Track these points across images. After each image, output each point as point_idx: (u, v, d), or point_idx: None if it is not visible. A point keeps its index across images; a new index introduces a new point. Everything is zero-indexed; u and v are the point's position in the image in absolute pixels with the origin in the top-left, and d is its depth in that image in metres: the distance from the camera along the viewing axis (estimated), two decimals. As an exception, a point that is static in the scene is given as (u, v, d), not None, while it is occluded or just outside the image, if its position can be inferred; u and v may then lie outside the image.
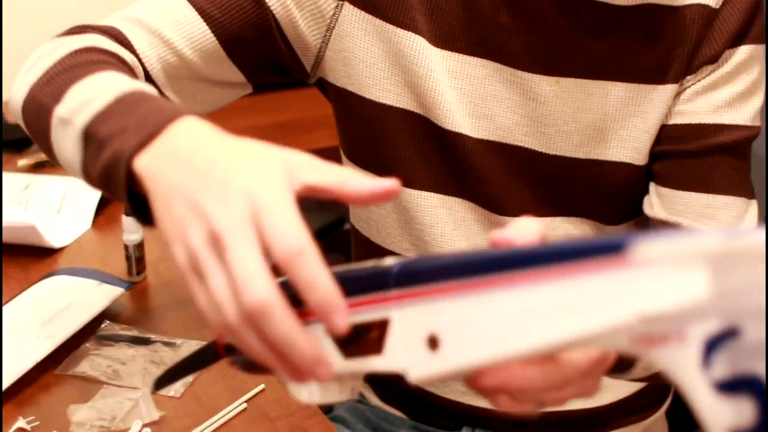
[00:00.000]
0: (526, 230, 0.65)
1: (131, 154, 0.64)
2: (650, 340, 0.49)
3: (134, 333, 1.02)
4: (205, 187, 0.58)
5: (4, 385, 0.91)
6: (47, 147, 0.77)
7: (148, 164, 0.63)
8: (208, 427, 0.88)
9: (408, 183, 0.96)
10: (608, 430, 1.07)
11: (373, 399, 1.14)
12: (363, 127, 0.97)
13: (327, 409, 1.18)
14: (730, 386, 0.48)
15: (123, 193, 0.65)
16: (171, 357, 0.98)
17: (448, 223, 0.96)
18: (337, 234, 1.40)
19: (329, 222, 1.39)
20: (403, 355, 0.57)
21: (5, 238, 1.17)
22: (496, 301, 0.54)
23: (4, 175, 1.33)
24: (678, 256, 0.47)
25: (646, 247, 0.48)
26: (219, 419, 0.89)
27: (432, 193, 0.96)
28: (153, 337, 1.01)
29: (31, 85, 0.81)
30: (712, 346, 0.48)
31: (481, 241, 0.97)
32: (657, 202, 0.95)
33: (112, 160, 0.65)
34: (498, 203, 0.95)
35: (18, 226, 1.17)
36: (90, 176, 0.71)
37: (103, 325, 1.03)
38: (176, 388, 0.94)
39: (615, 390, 1.06)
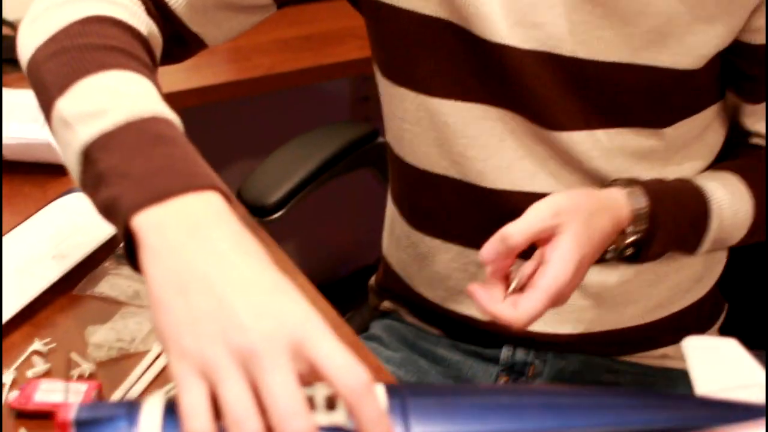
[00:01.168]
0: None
1: (131, 210, 0.61)
2: None
3: (155, 251, 0.96)
4: (240, 294, 0.57)
5: (19, 307, 0.86)
6: (47, 121, 0.72)
7: (153, 228, 0.60)
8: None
9: (449, 95, 0.89)
10: (661, 346, 1.01)
11: (409, 317, 1.08)
12: (398, 40, 0.90)
13: (362, 329, 1.13)
14: None
15: (121, 240, 0.63)
16: (194, 275, 0.92)
17: (494, 135, 0.89)
18: (370, 148, 1.33)
19: (361, 135, 1.33)
20: None
21: (21, 156, 1.12)
22: None
23: (20, 92, 1.27)
24: None
25: None
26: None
27: (475, 104, 0.89)
28: (175, 254, 0.96)
29: (36, 47, 0.76)
30: None
31: (528, 157, 0.90)
32: (746, 112, 0.93)
33: (109, 207, 0.63)
34: (546, 116, 0.88)
35: (34, 143, 1.11)
36: (86, 193, 0.68)
37: (122, 245, 0.97)
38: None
39: (669, 306, 1.00)
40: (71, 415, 0.58)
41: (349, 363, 0.55)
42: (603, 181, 0.89)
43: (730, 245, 0.94)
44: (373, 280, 1.16)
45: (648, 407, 0.62)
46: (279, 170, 1.24)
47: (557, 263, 0.75)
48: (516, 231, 0.76)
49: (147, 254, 0.60)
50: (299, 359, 0.55)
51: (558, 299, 0.76)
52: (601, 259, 0.84)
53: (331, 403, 0.59)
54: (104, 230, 0.96)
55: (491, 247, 0.75)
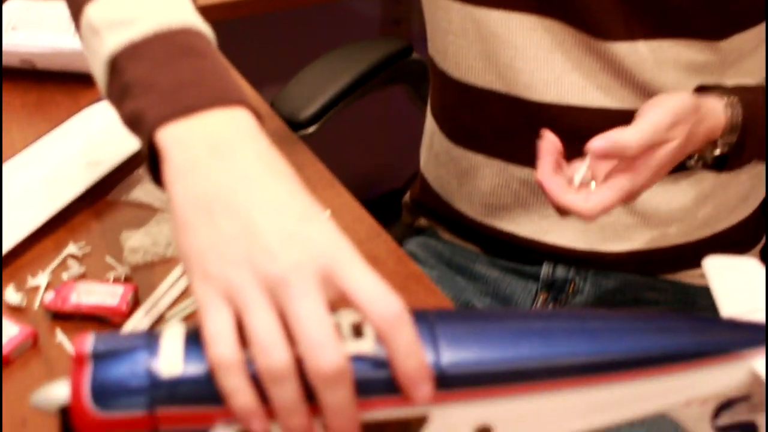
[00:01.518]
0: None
1: (155, 124, 0.58)
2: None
3: (190, 159, 0.94)
4: (268, 218, 0.55)
5: (53, 212, 0.84)
6: (77, 28, 0.70)
7: (177, 143, 0.58)
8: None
9: (496, 5, 0.86)
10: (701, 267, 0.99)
11: (445, 234, 1.07)
12: None
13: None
14: (727, 429, 0.63)
15: (145, 155, 0.60)
16: (229, 183, 0.91)
17: (542, 47, 0.86)
18: (404, 64, 1.30)
19: (395, 50, 1.29)
20: None
21: (53, 65, 1.10)
22: (556, 398, 0.58)
23: (51, 2, 1.25)
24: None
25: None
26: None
27: (524, 14, 0.86)
28: (210, 162, 0.94)
29: None
30: (726, 406, 0.61)
31: (578, 69, 0.87)
32: None
33: (134, 119, 0.61)
34: (597, 26, 0.84)
35: (66, 52, 1.09)
36: (111, 103, 0.65)
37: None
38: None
39: (714, 224, 0.97)
40: (87, 347, 0.55)
41: (381, 291, 0.53)
42: (653, 95, 0.86)
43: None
44: (407, 196, 1.14)
45: (681, 331, 0.61)
46: (313, 84, 1.22)
47: (646, 170, 0.75)
48: (635, 142, 0.73)
49: (170, 171, 0.58)
50: (329, 287, 0.53)
51: (632, 197, 0.76)
52: (682, 166, 0.82)
53: (357, 331, 0.57)
54: (138, 137, 0.94)
55: (602, 150, 0.72)
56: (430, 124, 1.05)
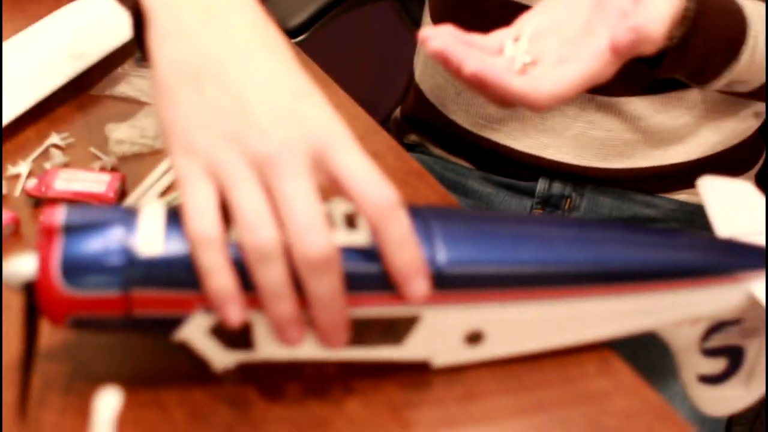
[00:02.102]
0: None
1: None
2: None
3: (178, 56, 0.90)
4: (260, 92, 0.51)
5: (34, 101, 0.80)
6: None
7: (165, 5, 0.54)
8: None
9: None
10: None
11: (437, 150, 1.03)
12: None
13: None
14: (714, 351, 0.62)
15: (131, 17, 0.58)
16: (220, 81, 0.87)
17: None
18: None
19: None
20: (429, 347, 0.55)
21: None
22: (550, 308, 0.56)
23: None
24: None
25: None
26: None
27: None
28: (199, 60, 0.90)
29: None
30: (716, 329, 0.61)
31: None
32: None
33: None
34: None
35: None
36: None
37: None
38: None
39: (715, 144, 0.95)
40: (59, 218, 0.51)
41: (375, 178, 0.50)
42: None
43: (742, 90, 0.83)
44: (398, 112, 1.11)
45: (682, 247, 0.59)
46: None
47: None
48: (657, 24, 0.63)
49: (156, 35, 0.54)
50: (320, 171, 0.50)
51: (594, 83, 0.63)
52: (686, 84, 0.77)
53: (350, 222, 0.54)
54: (123, 33, 0.90)
55: (624, 44, 0.61)
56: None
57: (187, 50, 0.53)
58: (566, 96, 0.61)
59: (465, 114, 0.96)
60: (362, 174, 0.50)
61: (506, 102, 0.61)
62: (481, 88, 0.60)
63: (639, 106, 0.90)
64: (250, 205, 0.49)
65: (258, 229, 0.48)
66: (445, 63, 0.60)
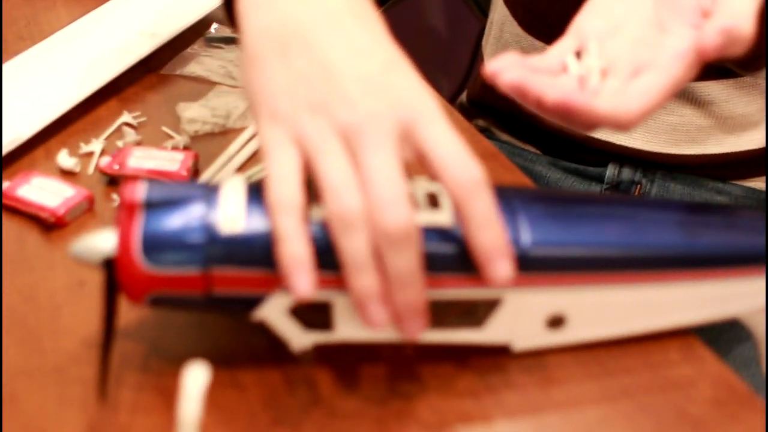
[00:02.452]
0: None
1: None
2: None
3: (247, 36, 0.90)
4: (349, 63, 0.50)
5: (106, 79, 0.80)
6: None
7: None
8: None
9: None
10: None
11: (503, 135, 1.02)
12: None
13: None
14: None
15: None
16: (289, 61, 0.86)
17: None
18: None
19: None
20: (510, 330, 0.55)
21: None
22: (634, 292, 0.54)
23: None
24: None
25: None
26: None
27: None
28: (268, 40, 0.89)
29: None
30: None
31: None
32: None
33: None
34: None
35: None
36: None
37: (211, 28, 0.91)
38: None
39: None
40: (139, 195, 0.51)
41: (462, 154, 0.49)
42: None
43: None
44: (464, 96, 1.10)
45: (763, 231, 0.57)
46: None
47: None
48: (747, 22, 0.55)
49: (246, 4, 0.54)
50: (407, 144, 0.49)
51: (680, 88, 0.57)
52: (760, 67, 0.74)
53: (433, 201, 0.53)
54: (194, 11, 0.90)
55: (714, 48, 0.54)
56: (500, 12, 0.99)
57: (276, 19, 0.53)
58: (656, 109, 0.54)
59: None
60: (449, 149, 0.49)
61: (591, 126, 0.54)
62: (565, 116, 0.54)
63: (713, 90, 0.88)
64: (336, 171, 0.48)
65: (343, 196, 0.48)
66: (523, 97, 0.55)
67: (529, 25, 0.93)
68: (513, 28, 0.95)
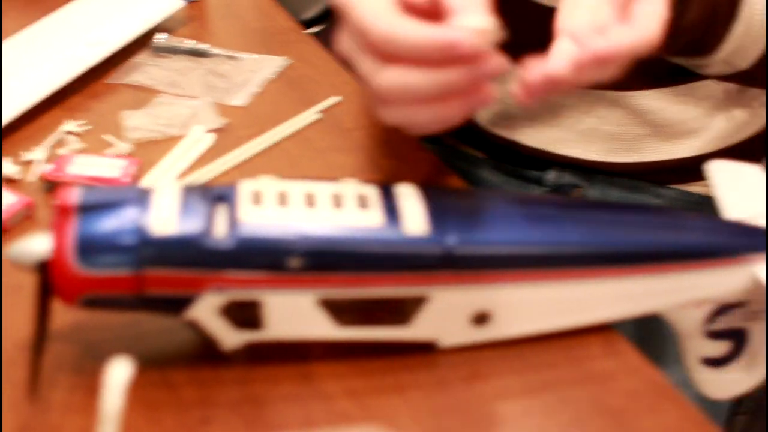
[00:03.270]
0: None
1: None
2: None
3: (193, 45, 0.91)
4: None
5: (52, 89, 0.81)
6: None
7: None
8: (277, 134, 0.78)
9: None
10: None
11: (448, 139, 1.03)
12: None
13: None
14: (718, 334, 0.62)
15: None
16: (234, 70, 0.88)
17: None
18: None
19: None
20: (436, 327, 0.56)
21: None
22: (558, 289, 0.56)
23: None
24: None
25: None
26: (290, 127, 0.79)
27: None
28: (214, 49, 0.91)
29: None
30: (721, 311, 0.61)
31: None
32: None
33: None
34: None
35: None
36: None
37: (158, 37, 0.92)
38: (241, 97, 0.84)
39: (726, 138, 0.95)
40: (74, 198, 0.52)
41: None
42: None
43: (742, 68, 0.80)
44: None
45: (689, 229, 0.59)
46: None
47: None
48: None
49: None
50: None
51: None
52: (694, 76, 0.76)
53: (362, 203, 0.55)
54: (141, 22, 0.91)
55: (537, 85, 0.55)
56: None
57: None
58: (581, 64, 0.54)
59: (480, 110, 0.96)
60: None
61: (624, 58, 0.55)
62: (600, 66, 0.54)
63: (650, 99, 0.90)
64: None
65: None
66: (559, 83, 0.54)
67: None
68: None
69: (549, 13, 0.77)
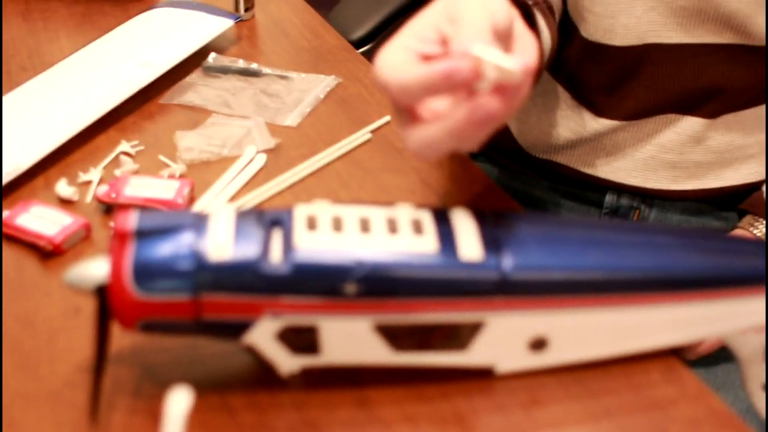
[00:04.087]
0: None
1: None
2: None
3: (244, 65, 0.92)
4: None
5: (106, 109, 0.82)
6: None
7: None
8: (328, 155, 0.79)
9: None
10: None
11: (502, 159, 1.03)
12: None
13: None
14: None
15: None
16: (284, 89, 0.88)
17: None
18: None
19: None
20: (493, 353, 0.56)
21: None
22: (616, 315, 0.56)
23: None
24: None
25: None
26: (341, 148, 0.80)
27: None
28: (264, 69, 0.91)
29: None
30: None
31: (656, 6, 0.81)
32: None
33: None
34: None
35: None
36: None
37: (209, 57, 0.93)
38: (292, 118, 0.84)
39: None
40: (131, 224, 0.52)
41: None
42: (736, 29, 0.81)
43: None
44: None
45: (749, 254, 0.59)
46: (365, 3, 1.18)
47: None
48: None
49: None
50: None
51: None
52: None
53: (417, 228, 0.55)
54: (192, 42, 0.92)
55: None
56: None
57: None
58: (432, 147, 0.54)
59: (534, 140, 0.95)
60: None
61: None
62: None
63: (708, 126, 0.88)
64: None
65: None
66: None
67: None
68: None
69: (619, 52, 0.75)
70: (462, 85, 0.50)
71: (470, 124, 0.51)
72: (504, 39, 0.55)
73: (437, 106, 0.54)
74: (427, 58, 0.54)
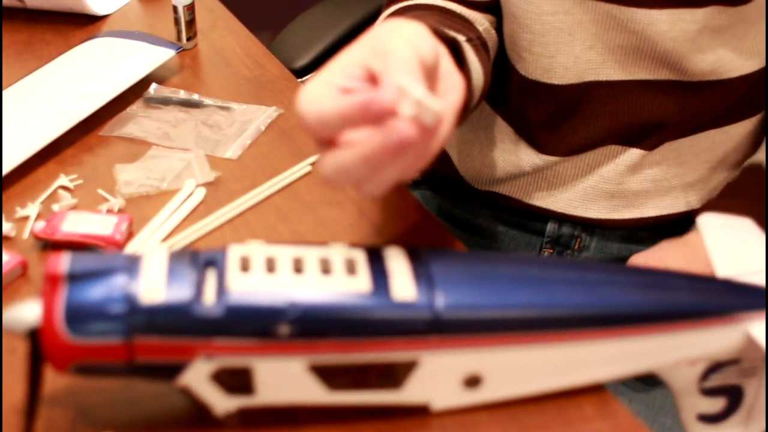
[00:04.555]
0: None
1: None
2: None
3: (186, 96, 0.92)
4: None
5: (44, 143, 0.82)
6: None
7: None
8: (268, 188, 0.79)
9: None
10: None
11: (442, 187, 1.04)
12: None
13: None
14: (713, 391, 0.62)
15: None
16: (225, 121, 0.88)
17: (563, 30, 0.83)
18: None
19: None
20: (428, 391, 0.56)
21: (43, 3, 1.07)
22: (549, 351, 0.57)
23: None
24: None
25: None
26: (281, 181, 0.80)
27: None
28: (206, 100, 0.91)
29: None
30: (715, 369, 0.61)
31: (594, 46, 0.83)
32: None
33: None
34: None
35: (56, -10, 1.06)
36: None
37: (150, 88, 0.93)
38: (233, 150, 0.84)
39: (721, 187, 0.95)
40: (62, 267, 0.52)
41: None
42: (672, 66, 0.83)
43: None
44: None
45: (680, 289, 0.60)
46: (308, 32, 1.19)
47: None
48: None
49: None
50: None
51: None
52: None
53: (351, 268, 0.56)
54: (133, 72, 0.91)
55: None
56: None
57: None
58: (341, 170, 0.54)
59: (476, 173, 0.96)
60: None
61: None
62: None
63: (645, 156, 0.90)
64: None
65: None
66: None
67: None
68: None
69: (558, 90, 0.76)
70: (379, 118, 0.51)
71: (384, 149, 0.51)
72: (430, 76, 0.56)
73: (355, 137, 0.53)
74: (349, 92, 0.54)
